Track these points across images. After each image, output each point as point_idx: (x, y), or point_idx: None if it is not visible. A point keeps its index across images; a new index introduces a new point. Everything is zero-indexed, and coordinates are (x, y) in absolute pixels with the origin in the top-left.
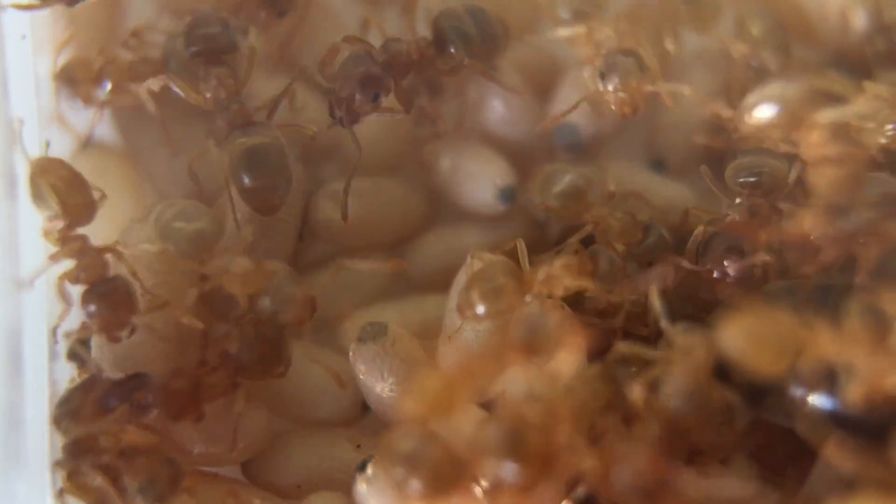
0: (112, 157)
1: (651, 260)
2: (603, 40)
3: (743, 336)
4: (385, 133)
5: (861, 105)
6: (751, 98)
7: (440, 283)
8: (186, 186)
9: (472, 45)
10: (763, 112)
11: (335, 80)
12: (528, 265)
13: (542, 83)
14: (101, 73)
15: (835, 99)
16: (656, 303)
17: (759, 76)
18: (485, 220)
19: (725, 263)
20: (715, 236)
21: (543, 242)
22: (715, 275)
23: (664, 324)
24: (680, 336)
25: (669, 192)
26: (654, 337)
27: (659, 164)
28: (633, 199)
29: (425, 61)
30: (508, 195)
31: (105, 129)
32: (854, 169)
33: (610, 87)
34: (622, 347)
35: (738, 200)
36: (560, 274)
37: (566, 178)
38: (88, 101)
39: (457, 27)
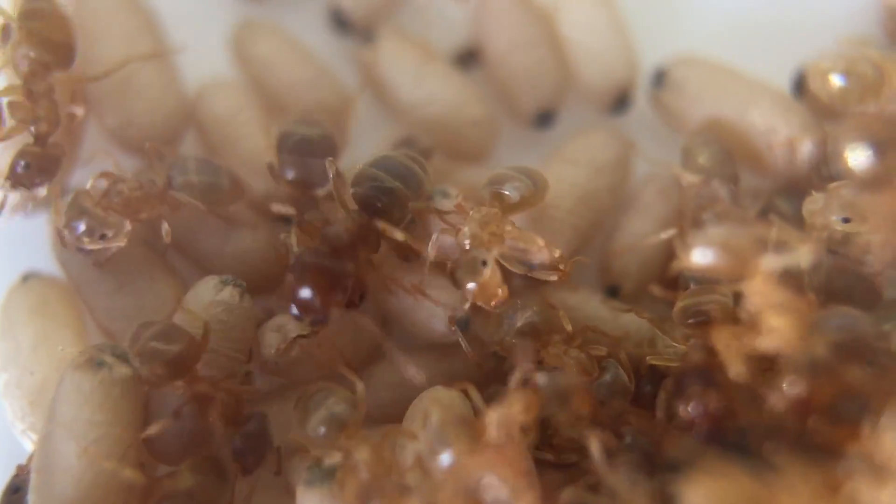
0: (53, 290)
1: (605, 399)
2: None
3: (708, 500)
4: None
5: (805, 253)
6: (693, 241)
7: (392, 415)
8: (129, 320)
9: (397, 196)
10: (702, 257)
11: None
12: (482, 406)
13: None
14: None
15: (779, 245)
16: (596, 452)
17: (710, 203)
18: (439, 350)
19: (699, 404)
20: (683, 377)
21: (501, 373)
22: (691, 415)
23: (605, 474)
24: (623, 488)
25: (623, 321)
26: None
27: (613, 291)
28: (591, 332)
29: (366, 229)
30: (464, 325)
31: (45, 261)
32: (799, 315)
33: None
34: (569, 496)
35: (691, 341)
36: (515, 415)
37: (524, 317)
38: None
39: (376, 186)
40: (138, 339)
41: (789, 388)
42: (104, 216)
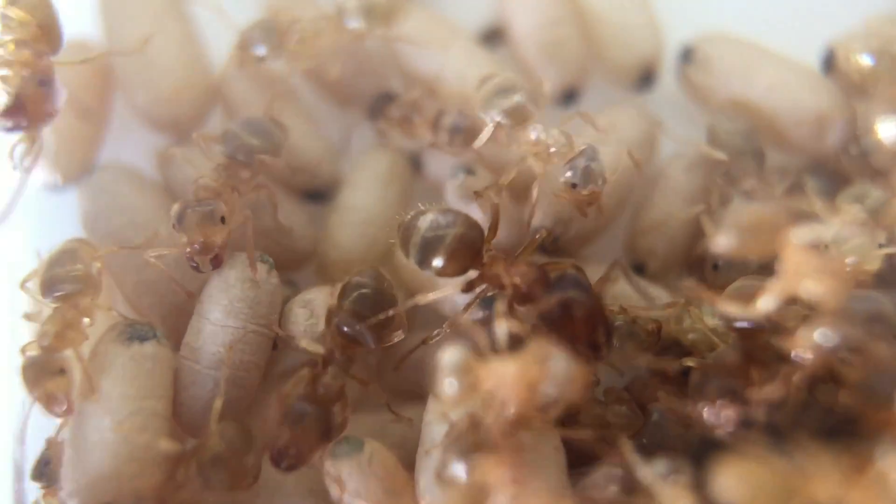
0: None
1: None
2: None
3: (740, 483)
4: None
5: (836, 227)
6: (717, 227)
7: (417, 392)
8: (156, 297)
9: None
10: (727, 241)
11: None
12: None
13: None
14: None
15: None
16: (627, 453)
17: (737, 180)
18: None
19: (719, 407)
20: (710, 376)
21: None
22: (708, 417)
23: (642, 475)
24: (661, 488)
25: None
26: None
27: (639, 269)
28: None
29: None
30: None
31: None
32: (839, 277)
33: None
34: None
35: (731, 341)
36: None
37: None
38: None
39: None
40: None
41: (822, 339)
42: (212, 205)
